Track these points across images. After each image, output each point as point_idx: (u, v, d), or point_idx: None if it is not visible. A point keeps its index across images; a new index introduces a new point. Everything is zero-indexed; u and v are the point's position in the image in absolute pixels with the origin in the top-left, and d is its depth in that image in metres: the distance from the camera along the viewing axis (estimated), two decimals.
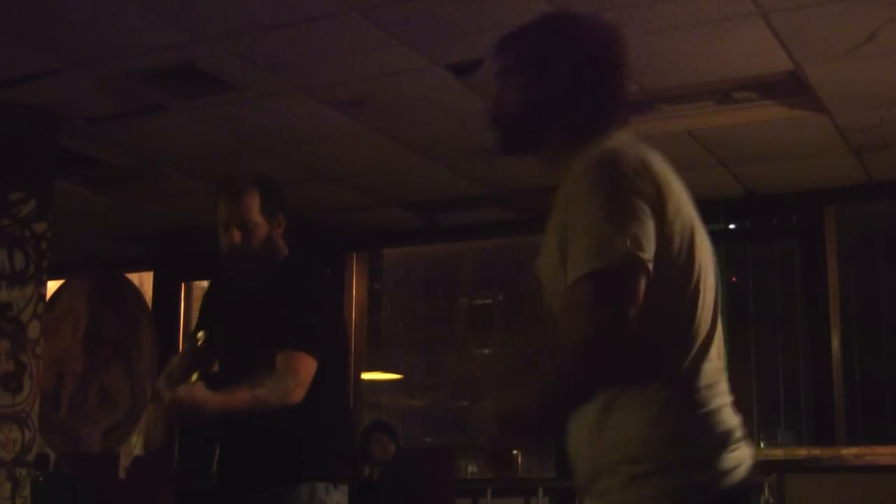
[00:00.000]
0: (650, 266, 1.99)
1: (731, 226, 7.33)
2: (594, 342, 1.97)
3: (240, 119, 5.82)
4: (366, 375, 8.21)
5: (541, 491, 7.07)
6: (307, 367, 3.36)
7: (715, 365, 2.12)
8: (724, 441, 2.07)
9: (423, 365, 8.53)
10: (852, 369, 6.92)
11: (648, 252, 2.00)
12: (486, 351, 8.39)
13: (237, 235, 3.54)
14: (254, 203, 3.55)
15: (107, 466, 7.41)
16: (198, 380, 3.18)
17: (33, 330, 5.42)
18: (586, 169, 2.09)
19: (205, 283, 9.00)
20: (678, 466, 2.03)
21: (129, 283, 8.77)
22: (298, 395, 3.31)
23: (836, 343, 6.87)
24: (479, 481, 7.50)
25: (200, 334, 3.26)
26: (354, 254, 8.28)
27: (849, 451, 5.96)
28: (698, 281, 2.12)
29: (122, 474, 7.49)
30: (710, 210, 7.40)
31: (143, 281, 8.98)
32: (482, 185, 6.95)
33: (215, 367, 3.44)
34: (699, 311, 2.11)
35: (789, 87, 5.38)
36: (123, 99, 5.53)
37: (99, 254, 8.58)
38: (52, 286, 8.05)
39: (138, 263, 8.85)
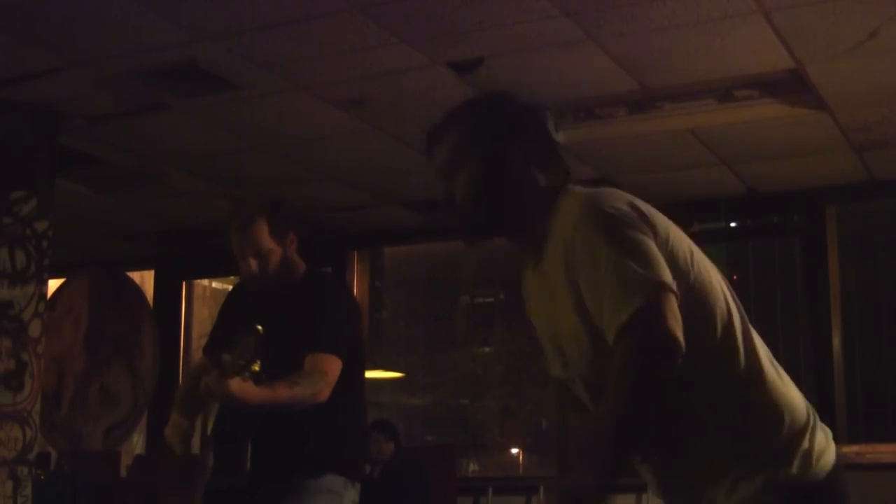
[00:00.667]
0: (674, 287, 2.05)
1: (733, 224, 7.33)
2: (659, 374, 2.01)
3: (241, 118, 5.82)
4: (367, 374, 8.20)
5: (542, 489, 7.08)
6: (334, 367, 3.55)
7: (761, 351, 2.18)
8: (806, 420, 2.15)
9: (425, 363, 8.53)
10: (853, 367, 6.93)
11: (667, 275, 2.06)
12: (487, 349, 8.40)
13: (254, 264, 3.70)
14: (263, 232, 3.68)
15: (108, 465, 7.42)
16: (250, 374, 3.34)
17: (34, 329, 5.43)
18: (577, 223, 2.13)
19: (206, 282, 9.06)
20: (776, 459, 2.10)
21: (131, 282, 8.77)
22: (326, 394, 3.50)
23: (837, 341, 6.87)
24: (481, 479, 7.51)
25: (260, 327, 3.36)
26: (356, 252, 8.28)
27: (850, 449, 5.97)
28: (708, 286, 2.18)
29: (123, 473, 7.50)
30: (711, 208, 7.47)
31: (145, 279, 8.98)
32: None
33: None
34: (722, 312, 2.17)
35: (790, 86, 5.38)
36: (125, 98, 5.53)
37: (100, 252, 8.58)
38: (53, 285, 8.05)
39: (139, 262, 8.85)
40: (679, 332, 2.00)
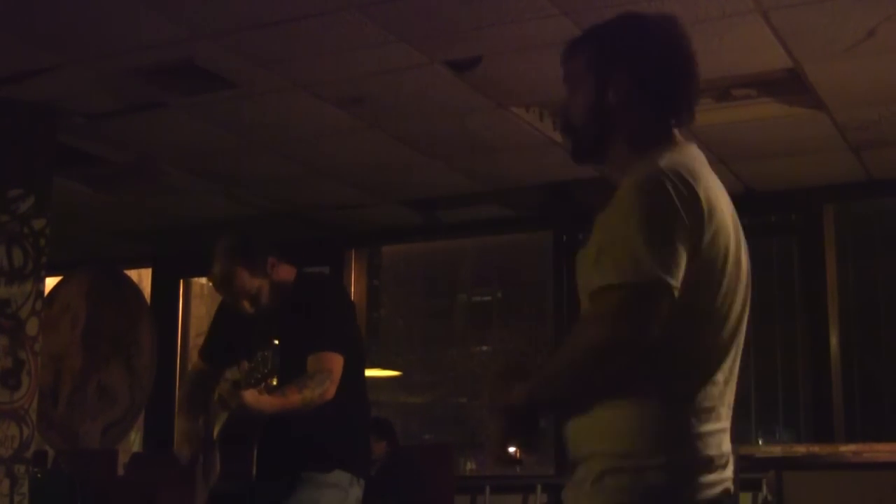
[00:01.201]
0: (676, 292, 2.02)
1: None
2: (606, 349, 2.03)
3: (239, 116, 5.82)
4: (365, 372, 8.19)
5: (539, 488, 7.08)
6: (337, 364, 3.60)
7: (719, 389, 2.13)
8: (705, 463, 2.09)
9: (423, 362, 8.53)
10: (851, 366, 6.93)
11: (676, 278, 2.03)
12: (485, 348, 8.40)
13: (248, 305, 3.76)
14: (243, 277, 3.74)
15: (105, 463, 7.42)
16: (266, 386, 3.44)
17: (32, 327, 5.42)
18: (636, 184, 2.10)
19: (203, 280, 9.06)
20: (653, 470, 2.05)
21: (129, 280, 8.77)
22: (332, 392, 3.57)
23: (834, 340, 6.87)
24: (478, 478, 7.51)
25: (276, 341, 3.44)
26: (354, 250, 8.29)
27: (847, 448, 5.97)
28: (721, 308, 2.14)
29: (120, 471, 7.50)
30: None
31: (142, 277, 8.98)
32: (481, 181, 6.95)
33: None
34: (716, 337, 2.13)
35: (788, 85, 5.38)
36: (123, 96, 5.53)
37: (98, 250, 8.58)
38: (50, 283, 8.05)
39: (137, 260, 8.85)
40: (653, 332, 2.00)
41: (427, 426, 8.52)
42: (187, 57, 5.05)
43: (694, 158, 2.22)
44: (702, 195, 2.12)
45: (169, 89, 5.43)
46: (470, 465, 8.04)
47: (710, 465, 2.09)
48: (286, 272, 3.82)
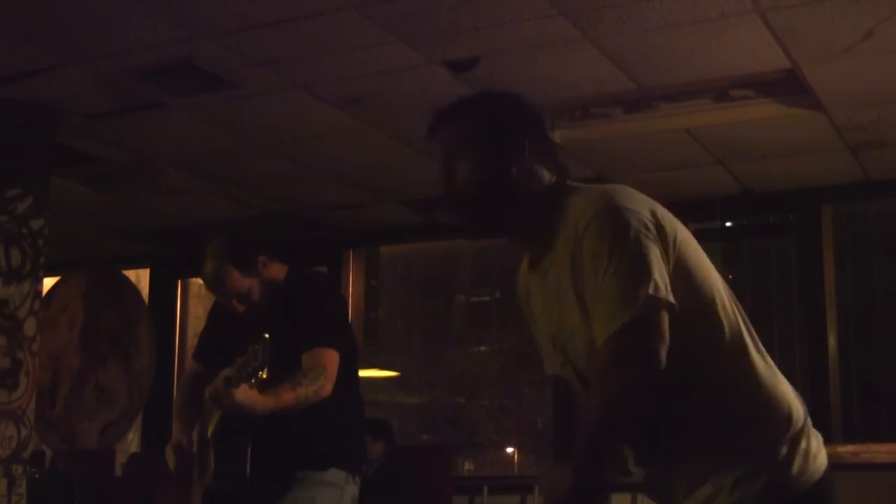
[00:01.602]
0: (671, 300, 2.07)
1: (728, 223, 7.32)
2: (635, 390, 2.06)
3: (238, 116, 5.82)
4: (362, 373, 8.17)
5: (537, 489, 7.07)
6: (333, 361, 3.58)
7: (765, 357, 2.21)
8: (803, 427, 2.18)
9: (420, 362, 8.53)
10: (849, 367, 6.93)
11: (667, 290, 2.08)
12: (483, 348, 8.39)
13: (239, 305, 3.75)
14: (234, 277, 3.72)
15: (103, 463, 7.42)
16: (257, 381, 3.39)
17: (29, 327, 5.42)
18: (589, 221, 2.13)
19: (201, 280, 9.06)
20: (780, 456, 2.12)
21: (127, 280, 8.76)
22: (328, 388, 3.54)
23: (832, 340, 6.88)
24: (476, 478, 7.50)
25: (266, 335, 3.39)
26: (352, 251, 8.28)
27: (845, 449, 5.97)
28: (714, 291, 2.20)
29: (118, 471, 7.50)
30: (707, 208, 7.48)
31: (140, 277, 8.97)
32: None
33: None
34: (728, 316, 2.18)
35: (786, 86, 5.39)
36: (121, 96, 5.52)
37: (96, 250, 8.57)
38: (48, 283, 8.05)
39: (135, 260, 8.84)
40: (662, 351, 2.04)
41: (425, 426, 8.51)
42: (186, 57, 5.05)
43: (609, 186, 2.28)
44: (646, 200, 2.19)
45: (167, 89, 5.43)
46: (468, 466, 8.05)
47: (804, 422, 2.19)
48: (277, 270, 3.80)
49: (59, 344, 8.50)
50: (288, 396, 3.45)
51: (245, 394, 3.34)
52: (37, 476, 6.09)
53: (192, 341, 8.60)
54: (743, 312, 2.23)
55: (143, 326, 8.52)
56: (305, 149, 6.35)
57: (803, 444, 2.16)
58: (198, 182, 6.91)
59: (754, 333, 2.23)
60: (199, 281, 8.98)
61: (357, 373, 3.93)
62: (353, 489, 3.71)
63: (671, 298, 2.07)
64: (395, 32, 4.80)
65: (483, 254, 8.33)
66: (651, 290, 2.05)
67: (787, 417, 2.16)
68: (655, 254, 2.09)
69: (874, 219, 7.31)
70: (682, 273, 2.14)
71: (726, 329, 2.17)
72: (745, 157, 6.41)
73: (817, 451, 2.18)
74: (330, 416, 3.62)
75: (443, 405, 8.50)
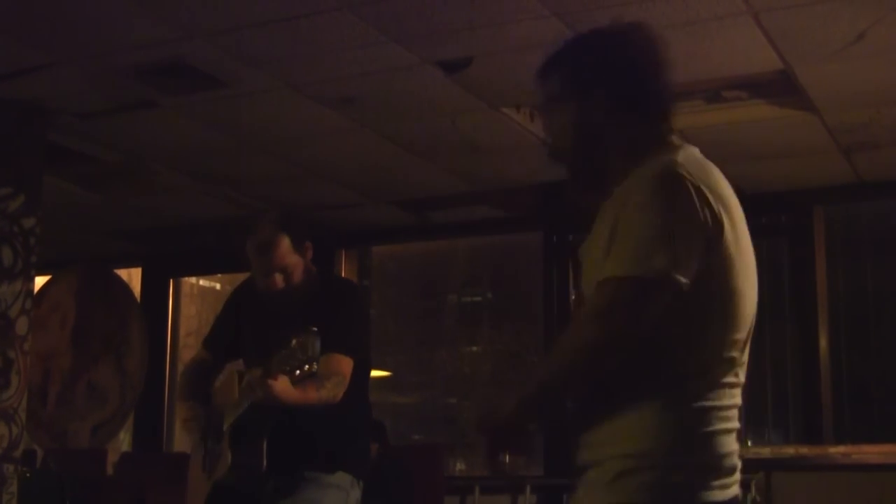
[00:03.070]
0: (684, 287, 2.02)
1: None
2: (600, 347, 2.04)
3: (230, 116, 5.81)
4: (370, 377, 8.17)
5: (528, 488, 7.08)
6: (349, 368, 3.65)
7: (735, 389, 2.14)
8: (718, 462, 2.09)
9: (413, 362, 8.53)
10: (840, 368, 6.94)
11: (687, 274, 2.03)
12: (475, 348, 8.40)
13: (280, 280, 3.74)
14: (286, 247, 3.74)
15: (95, 463, 7.41)
16: (302, 373, 3.43)
17: (21, 326, 5.41)
18: (652, 176, 2.10)
19: (193, 279, 9.05)
20: (670, 469, 2.05)
21: (119, 279, 8.75)
22: (341, 395, 3.61)
23: (824, 341, 6.89)
24: (468, 478, 7.50)
25: (315, 328, 3.44)
26: (344, 251, 8.28)
27: (836, 450, 5.99)
28: (735, 307, 2.13)
29: (109, 471, 7.49)
30: None
31: (132, 277, 8.96)
32: (472, 182, 6.96)
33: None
34: (729, 335, 2.12)
35: (779, 87, 5.39)
36: (113, 95, 5.51)
37: (87, 249, 8.56)
38: (39, 281, 8.03)
39: (127, 259, 8.83)
40: (646, 323, 2.01)
41: (417, 426, 8.52)
42: (178, 56, 5.04)
43: (701, 156, 2.23)
44: (718, 190, 2.14)
45: (159, 89, 5.42)
46: (460, 466, 8.04)
47: (724, 465, 2.09)
48: (311, 265, 3.85)
49: (51, 343, 8.48)
50: (312, 396, 3.51)
51: (283, 386, 3.39)
52: (28, 475, 6.07)
53: (184, 340, 8.60)
54: (747, 348, 2.16)
55: (135, 325, 8.51)
56: (297, 148, 6.35)
57: (705, 474, 2.06)
58: (190, 181, 6.91)
59: (744, 369, 2.15)
60: (192, 280, 9.01)
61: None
62: (357, 493, 3.74)
63: (684, 283, 2.02)
64: (387, 32, 4.79)
65: (475, 254, 8.34)
66: (670, 264, 2.01)
67: (701, 448, 2.07)
68: (693, 233, 2.05)
69: (866, 220, 7.33)
70: (705, 278, 2.07)
71: (721, 349, 2.10)
72: (737, 159, 6.40)
73: (715, 487, 2.07)
74: (341, 421, 3.67)
75: (435, 405, 8.51)
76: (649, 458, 2.06)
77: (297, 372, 3.39)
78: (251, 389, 3.51)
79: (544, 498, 7.23)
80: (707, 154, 2.26)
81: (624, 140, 2.22)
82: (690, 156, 2.18)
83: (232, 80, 5.30)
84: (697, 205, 2.07)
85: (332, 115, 5.76)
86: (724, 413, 2.11)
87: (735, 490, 2.12)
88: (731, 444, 2.11)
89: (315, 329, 3.41)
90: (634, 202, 2.08)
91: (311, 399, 3.51)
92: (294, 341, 3.40)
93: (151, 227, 8.01)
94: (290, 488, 3.63)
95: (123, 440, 8.90)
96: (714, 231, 2.08)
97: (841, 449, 6.04)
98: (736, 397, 2.14)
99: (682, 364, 2.09)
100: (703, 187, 2.10)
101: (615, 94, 2.22)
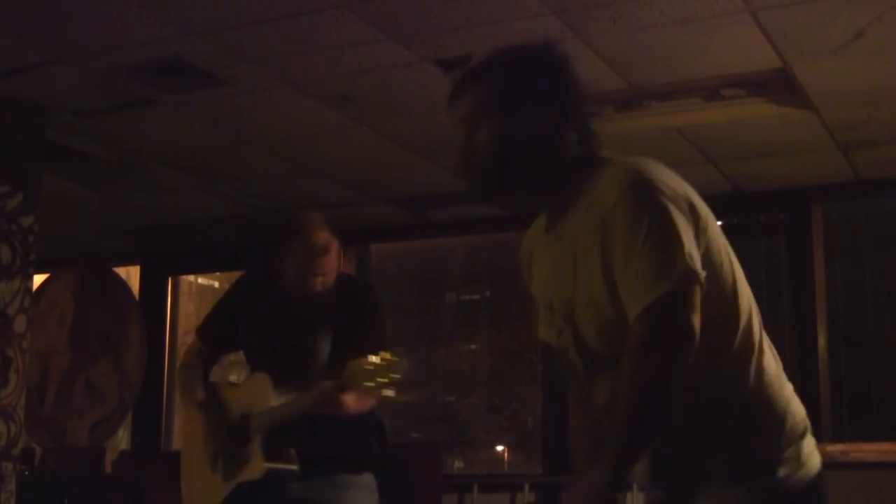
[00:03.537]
0: (703, 277, 2.05)
1: (719, 222, 7.33)
2: (673, 368, 2.01)
3: (228, 114, 5.81)
4: None
5: (527, 487, 7.08)
6: None
7: (776, 358, 2.23)
8: (802, 428, 2.19)
9: (411, 360, 8.53)
10: (838, 366, 6.94)
11: (699, 263, 2.06)
12: (473, 347, 8.40)
13: (321, 282, 3.78)
14: (337, 252, 3.85)
15: (93, 461, 7.41)
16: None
17: (20, 324, 5.41)
18: (623, 192, 2.10)
19: (191, 277, 9.05)
20: (772, 463, 2.13)
21: (117, 277, 8.74)
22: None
23: (822, 340, 6.88)
24: (466, 477, 7.51)
25: (396, 358, 3.47)
26: (342, 248, 8.25)
27: (834, 448, 5.98)
28: (738, 283, 2.19)
29: (108, 469, 7.49)
30: None
31: (130, 275, 8.96)
32: None
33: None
34: (746, 312, 2.18)
35: (777, 85, 5.39)
36: (111, 93, 5.51)
37: (86, 247, 8.55)
38: (38, 280, 8.03)
39: (125, 257, 8.82)
40: (697, 325, 2.01)
41: (415, 424, 8.51)
42: (176, 54, 5.04)
43: (648, 160, 2.24)
44: (676, 180, 2.16)
45: (158, 87, 5.42)
46: (458, 464, 8.05)
47: (805, 426, 2.21)
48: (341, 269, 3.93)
49: (49, 341, 8.48)
50: (366, 407, 3.61)
51: (352, 402, 3.48)
52: (26, 473, 6.08)
53: (182, 339, 8.59)
54: (758, 313, 2.22)
55: (134, 324, 8.50)
56: (296, 146, 6.35)
57: (798, 451, 2.16)
58: (188, 179, 6.90)
59: (769, 342, 2.23)
60: (190, 278, 9.00)
61: None
62: (377, 496, 3.82)
63: (703, 276, 2.04)
64: (385, 30, 4.79)
65: (474, 252, 8.33)
66: (686, 263, 2.02)
67: (787, 426, 2.16)
68: (688, 229, 2.07)
69: (865, 218, 7.33)
70: (707, 263, 2.10)
71: (741, 326, 2.15)
72: (735, 157, 6.41)
73: (810, 455, 2.18)
74: (364, 423, 3.74)
75: (433, 403, 8.51)
76: (752, 457, 2.11)
77: (374, 387, 3.39)
78: (314, 399, 3.49)
79: (543, 496, 7.23)
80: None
81: (563, 155, 2.23)
82: (636, 160, 2.20)
83: (230, 77, 5.30)
84: (673, 198, 2.09)
85: (331, 113, 5.76)
86: (783, 379, 2.21)
87: (812, 439, 2.23)
88: (796, 400, 2.22)
89: (390, 354, 3.43)
90: (621, 224, 2.07)
91: (366, 407, 3.61)
92: (381, 358, 3.39)
93: (150, 226, 8.01)
94: (319, 491, 3.66)
95: (122, 438, 8.90)
96: (693, 216, 2.12)
97: (839, 447, 6.04)
98: (776, 356, 2.24)
99: (729, 352, 2.14)
100: (665, 181, 2.12)
101: (554, 108, 2.23)
